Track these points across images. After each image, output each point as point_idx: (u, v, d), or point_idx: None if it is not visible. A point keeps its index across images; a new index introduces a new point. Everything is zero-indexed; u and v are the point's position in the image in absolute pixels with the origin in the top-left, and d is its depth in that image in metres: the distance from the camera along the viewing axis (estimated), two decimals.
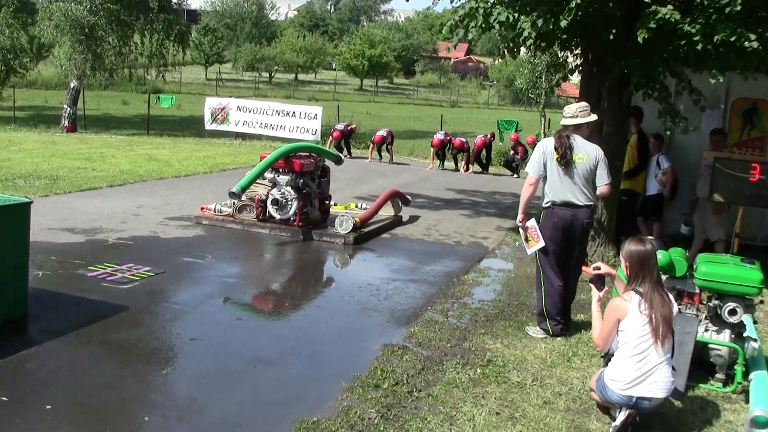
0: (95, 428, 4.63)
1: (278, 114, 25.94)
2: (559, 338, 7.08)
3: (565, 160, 6.99)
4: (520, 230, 7.42)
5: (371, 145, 23.55)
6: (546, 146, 7.16)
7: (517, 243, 11.73)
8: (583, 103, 7.38)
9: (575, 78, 13.16)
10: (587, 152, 7.03)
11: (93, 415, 4.83)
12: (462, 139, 22.54)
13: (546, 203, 7.20)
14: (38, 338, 6.12)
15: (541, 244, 7.15)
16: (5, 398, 4.94)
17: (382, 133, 23.18)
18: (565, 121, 7.20)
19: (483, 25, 9.26)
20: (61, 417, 4.75)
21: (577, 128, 7.15)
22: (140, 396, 5.20)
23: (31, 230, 6.70)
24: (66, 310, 6.87)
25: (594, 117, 7.26)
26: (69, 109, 29.24)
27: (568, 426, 5.15)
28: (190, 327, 6.78)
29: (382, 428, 4.89)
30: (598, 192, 7.14)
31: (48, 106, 40.37)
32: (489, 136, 22.71)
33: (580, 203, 7.05)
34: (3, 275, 6.29)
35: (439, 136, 22.60)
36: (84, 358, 5.79)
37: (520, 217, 7.34)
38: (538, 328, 7.24)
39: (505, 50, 10.33)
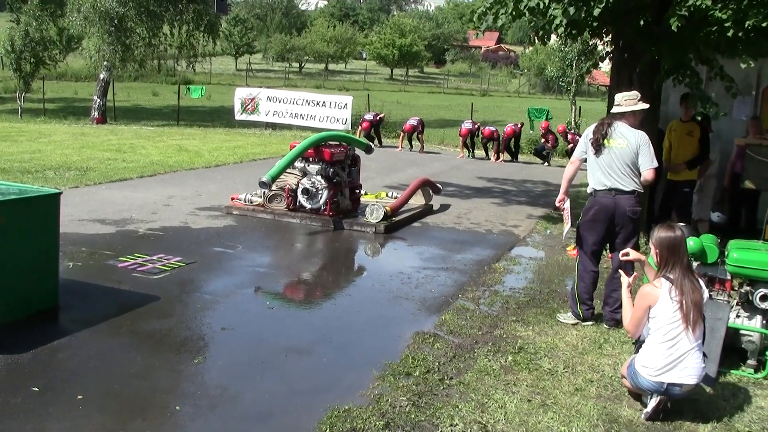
0: (127, 417, 4.65)
1: (308, 104, 25.94)
2: (590, 325, 7.03)
3: (597, 145, 6.93)
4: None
5: (402, 134, 23.52)
6: (588, 131, 7.12)
7: (548, 231, 11.66)
8: (632, 92, 7.14)
9: (605, 65, 13.03)
10: (628, 137, 6.90)
11: (124, 404, 4.85)
12: (492, 128, 22.42)
13: (589, 190, 7.14)
14: (70, 328, 6.16)
15: (568, 226, 7.25)
16: (37, 388, 4.98)
17: (412, 122, 23.14)
18: (612, 110, 7.14)
19: (513, 12, 9.19)
20: (93, 406, 4.78)
21: (622, 116, 7.03)
22: (171, 385, 5.22)
23: (61, 221, 6.74)
24: (97, 300, 6.91)
25: (642, 106, 7.02)
26: (99, 100, 29.46)
27: (600, 413, 5.10)
28: (221, 316, 6.80)
29: (413, 416, 4.87)
30: (642, 178, 6.94)
31: (78, 98, 40.74)
32: (519, 124, 22.58)
33: (625, 188, 6.93)
34: (34, 265, 6.35)
35: (467, 125, 22.51)
36: (115, 347, 5.82)
37: (560, 196, 7.29)
38: (569, 313, 7.21)
39: (536, 38, 10.25)
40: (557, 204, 7.40)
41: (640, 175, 6.92)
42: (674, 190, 10.19)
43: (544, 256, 10.03)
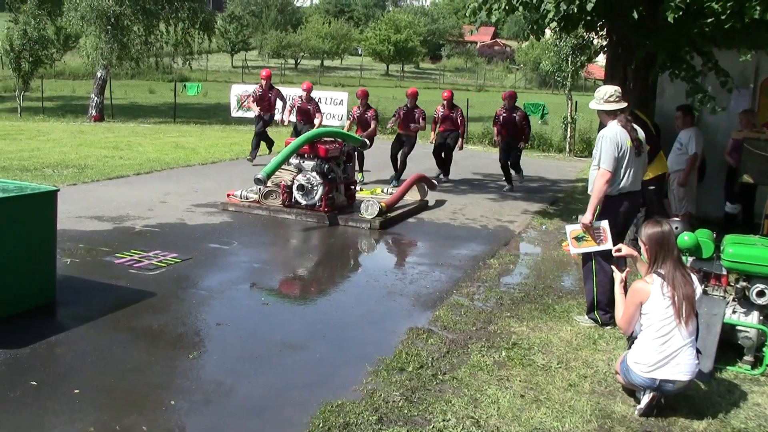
0: (122, 412, 4.68)
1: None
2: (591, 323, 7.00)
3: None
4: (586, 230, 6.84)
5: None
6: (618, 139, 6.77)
7: (544, 227, 11.67)
8: (611, 89, 6.92)
9: (601, 59, 13.02)
10: None
11: (120, 399, 4.90)
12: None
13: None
14: (67, 324, 6.21)
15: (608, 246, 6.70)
16: (35, 382, 5.03)
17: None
18: (613, 107, 6.83)
19: (506, 7, 9.21)
20: (89, 401, 4.82)
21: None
22: (167, 380, 5.26)
23: (59, 218, 6.82)
24: (94, 296, 6.95)
25: (602, 106, 6.81)
26: (96, 98, 29.43)
27: (593, 408, 5.13)
28: (216, 312, 6.85)
29: (406, 411, 4.90)
30: None
31: (76, 96, 40.64)
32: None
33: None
34: (32, 261, 6.39)
35: None
36: (112, 343, 5.86)
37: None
38: (586, 317, 7.09)
39: (530, 32, 10.25)
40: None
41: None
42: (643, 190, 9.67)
43: (540, 252, 10.05)
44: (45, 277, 6.59)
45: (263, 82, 16.99)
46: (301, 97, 16.09)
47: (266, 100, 16.94)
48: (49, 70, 35.81)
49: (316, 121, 15.77)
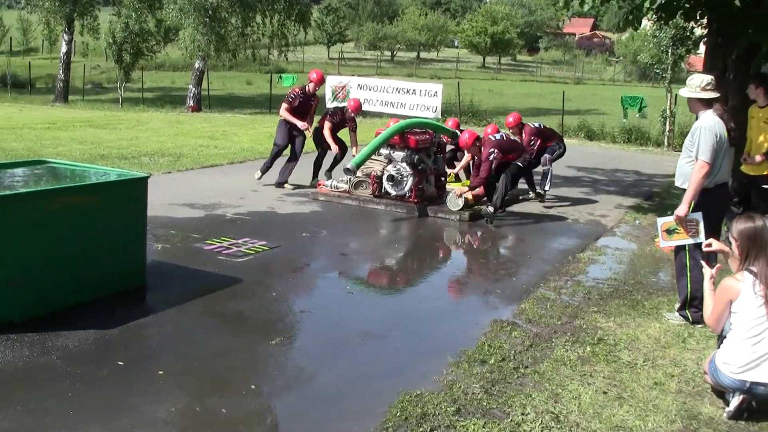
0: (204, 394, 4.77)
1: (398, 92, 25.87)
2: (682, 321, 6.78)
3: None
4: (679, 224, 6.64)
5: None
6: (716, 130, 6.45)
7: (637, 222, 11.42)
8: (707, 77, 6.79)
9: (703, 50, 12.62)
10: None
11: (202, 381, 4.99)
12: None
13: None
14: (155, 307, 6.36)
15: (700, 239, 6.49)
16: (121, 362, 5.16)
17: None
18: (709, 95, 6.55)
19: None
20: (172, 382, 4.92)
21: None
22: (249, 365, 5.33)
23: (152, 205, 7.00)
24: (182, 281, 7.09)
25: (698, 94, 6.54)
26: (194, 89, 30.19)
27: (679, 408, 4.97)
28: (301, 299, 6.93)
29: (485, 403, 4.84)
30: None
31: (175, 87, 41.76)
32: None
33: None
34: (123, 245, 6.55)
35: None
36: (197, 327, 5.97)
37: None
38: (677, 314, 6.84)
39: (625, 23, 10.02)
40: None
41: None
42: (751, 187, 9.06)
43: (631, 247, 9.82)
44: (135, 261, 6.75)
45: (310, 86, 12.68)
46: (342, 110, 13.20)
47: (308, 107, 12.73)
48: (149, 62, 37.06)
49: (352, 142, 13.04)
